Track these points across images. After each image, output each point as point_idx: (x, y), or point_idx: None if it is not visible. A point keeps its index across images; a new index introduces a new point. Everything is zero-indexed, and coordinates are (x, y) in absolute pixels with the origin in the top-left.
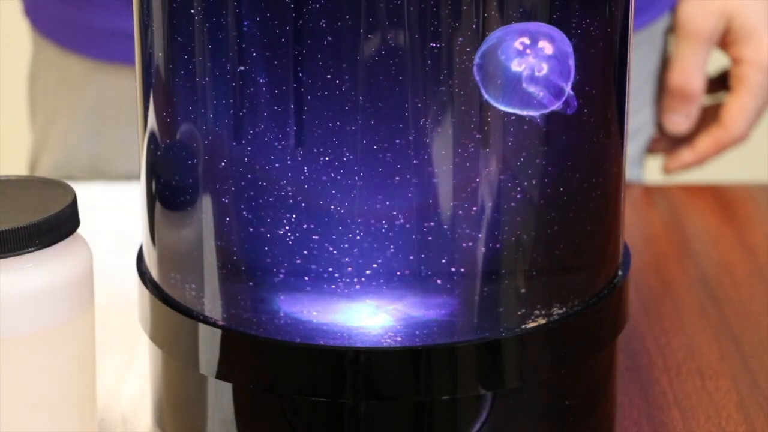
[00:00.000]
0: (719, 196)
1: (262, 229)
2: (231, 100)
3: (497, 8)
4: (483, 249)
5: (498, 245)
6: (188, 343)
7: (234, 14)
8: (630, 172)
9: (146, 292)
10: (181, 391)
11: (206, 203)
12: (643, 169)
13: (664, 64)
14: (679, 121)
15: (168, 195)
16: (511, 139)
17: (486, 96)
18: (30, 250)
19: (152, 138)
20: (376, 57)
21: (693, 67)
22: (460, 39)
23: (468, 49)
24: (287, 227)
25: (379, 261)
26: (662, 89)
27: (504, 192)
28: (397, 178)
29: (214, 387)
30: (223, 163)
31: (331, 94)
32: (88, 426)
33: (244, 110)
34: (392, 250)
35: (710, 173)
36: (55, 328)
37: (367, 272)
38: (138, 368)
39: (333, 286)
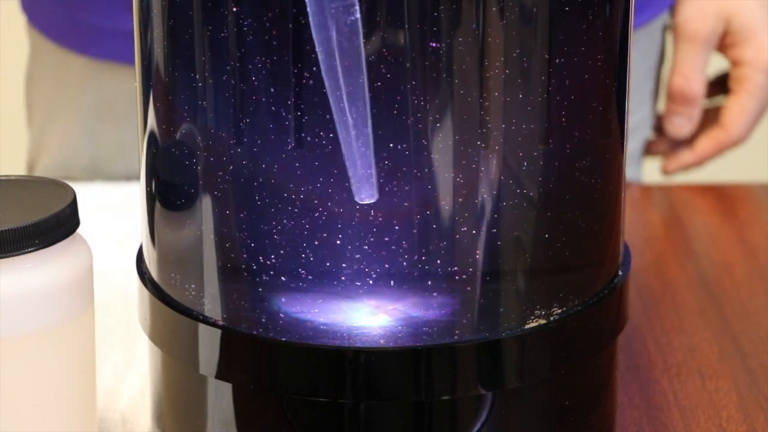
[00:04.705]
0: (719, 196)
1: (262, 229)
2: (231, 100)
3: (497, 8)
4: (483, 249)
5: (498, 245)
6: (188, 343)
7: (234, 13)
8: (628, 171)
9: (146, 292)
10: (180, 391)
11: (206, 203)
12: (642, 167)
13: (662, 61)
14: (681, 124)
15: (168, 195)
16: (511, 139)
17: None
18: (30, 250)
19: (152, 138)
20: (375, 57)
21: (693, 70)
22: (460, 39)
23: (467, 50)
24: (287, 227)
25: (379, 261)
26: (660, 86)
27: (504, 192)
28: (397, 178)
29: (214, 387)
30: (222, 163)
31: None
32: (88, 426)
33: (244, 110)
34: (392, 250)
35: (711, 173)
36: (55, 328)
37: (367, 272)
38: (138, 368)
39: (333, 286)
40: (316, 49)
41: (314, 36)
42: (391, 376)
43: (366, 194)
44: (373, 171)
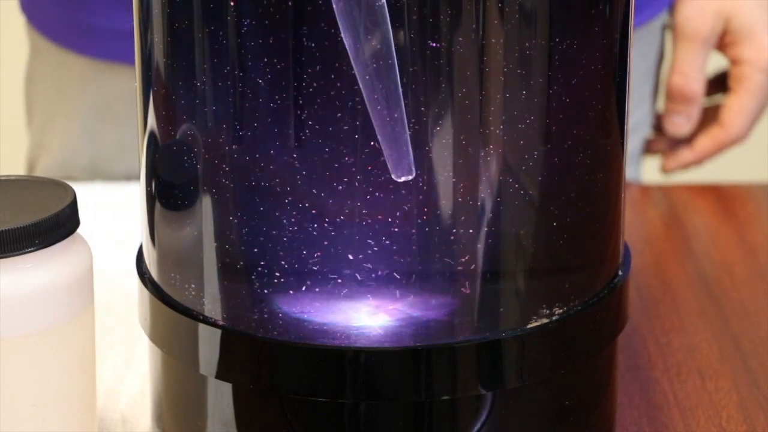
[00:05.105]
0: (719, 196)
1: (262, 229)
2: (231, 100)
3: (497, 8)
4: (483, 249)
5: (498, 245)
6: (188, 343)
7: (233, 14)
8: (628, 170)
9: (146, 292)
10: (180, 391)
11: (206, 203)
12: (641, 166)
13: (661, 60)
14: (681, 123)
15: (168, 195)
16: (511, 138)
17: None
18: (30, 250)
19: (152, 138)
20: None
21: (692, 69)
22: (460, 38)
23: (467, 49)
24: (287, 227)
25: (380, 261)
26: (659, 85)
27: (504, 192)
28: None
29: (214, 387)
30: (222, 163)
31: (330, 94)
32: (88, 426)
33: (244, 110)
34: (392, 250)
35: (710, 173)
36: (55, 328)
37: (367, 272)
38: (137, 368)
39: (333, 286)
40: (342, 35)
41: (340, 23)
42: (391, 376)
43: (404, 172)
44: (409, 148)
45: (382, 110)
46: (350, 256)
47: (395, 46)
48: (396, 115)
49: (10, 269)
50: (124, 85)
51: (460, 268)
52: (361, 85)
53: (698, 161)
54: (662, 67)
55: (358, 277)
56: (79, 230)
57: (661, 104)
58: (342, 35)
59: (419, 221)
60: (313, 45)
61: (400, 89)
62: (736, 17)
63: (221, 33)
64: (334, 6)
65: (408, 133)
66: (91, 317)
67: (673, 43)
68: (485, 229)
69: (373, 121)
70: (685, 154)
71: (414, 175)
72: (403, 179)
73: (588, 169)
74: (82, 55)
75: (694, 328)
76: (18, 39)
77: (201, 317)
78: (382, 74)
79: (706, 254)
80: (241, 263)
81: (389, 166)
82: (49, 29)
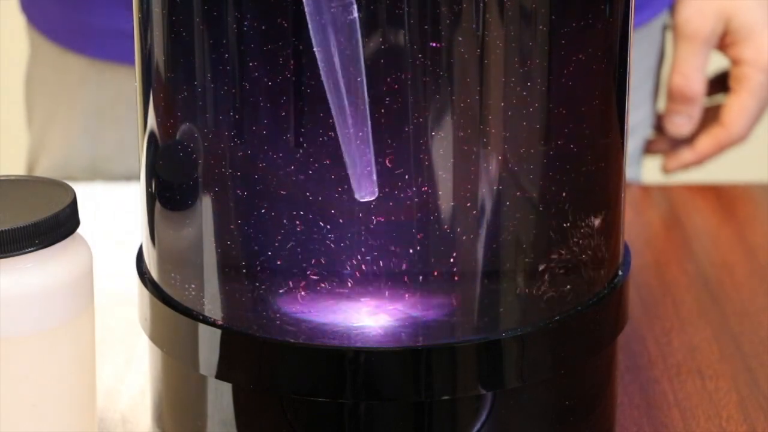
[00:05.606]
0: (719, 196)
1: (261, 230)
2: (231, 101)
3: (497, 7)
4: (483, 249)
5: (498, 245)
6: (188, 343)
7: (234, 14)
8: (628, 171)
9: (146, 292)
10: (180, 391)
11: (206, 203)
12: (641, 166)
13: (662, 60)
14: (681, 123)
15: (168, 195)
16: (510, 139)
17: None
18: (30, 250)
19: (152, 138)
20: (374, 57)
21: (693, 69)
22: (460, 38)
23: (467, 49)
24: (287, 227)
25: (380, 261)
26: (660, 86)
27: (504, 192)
28: (397, 178)
29: (214, 387)
30: (222, 163)
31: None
32: (88, 426)
33: (244, 110)
34: (392, 249)
35: (711, 173)
36: (55, 328)
37: (367, 272)
38: (138, 367)
39: (333, 286)
40: (314, 49)
41: (312, 36)
42: (391, 376)
43: (366, 192)
44: (373, 169)
45: (347, 129)
46: (350, 256)
47: (394, 46)
48: (361, 134)
49: (10, 269)
50: (124, 85)
51: (459, 268)
52: (329, 100)
53: (699, 161)
54: (663, 67)
55: (358, 277)
56: (79, 230)
57: (661, 104)
58: (315, 49)
59: (419, 221)
60: (312, 46)
61: (368, 108)
62: (736, 17)
63: (221, 33)
64: (308, 19)
65: (372, 153)
66: (91, 317)
67: (674, 44)
68: (485, 229)
69: (339, 138)
70: (686, 155)
71: (376, 196)
72: (365, 199)
73: (588, 169)
74: (82, 55)
75: (694, 328)
76: (18, 39)
77: (201, 317)
78: (350, 90)
79: (706, 254)
80: (241, 263)
81: (352, 185)
82: (49, 29)
